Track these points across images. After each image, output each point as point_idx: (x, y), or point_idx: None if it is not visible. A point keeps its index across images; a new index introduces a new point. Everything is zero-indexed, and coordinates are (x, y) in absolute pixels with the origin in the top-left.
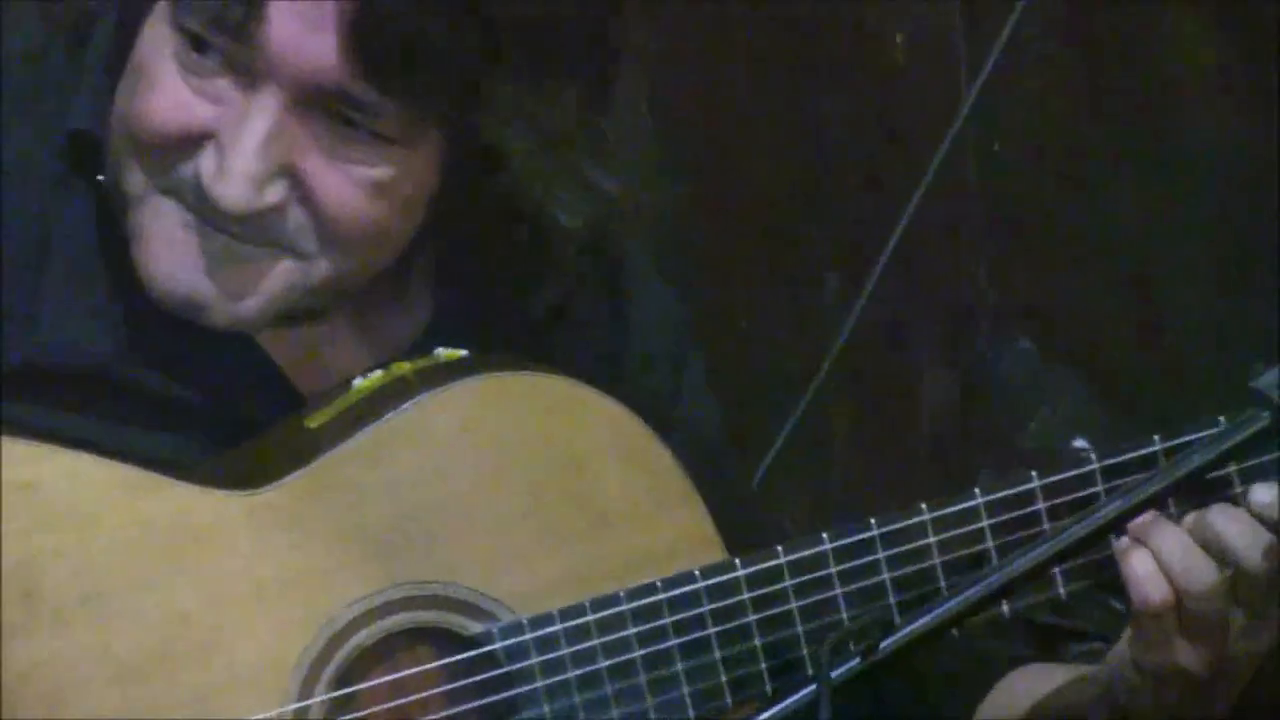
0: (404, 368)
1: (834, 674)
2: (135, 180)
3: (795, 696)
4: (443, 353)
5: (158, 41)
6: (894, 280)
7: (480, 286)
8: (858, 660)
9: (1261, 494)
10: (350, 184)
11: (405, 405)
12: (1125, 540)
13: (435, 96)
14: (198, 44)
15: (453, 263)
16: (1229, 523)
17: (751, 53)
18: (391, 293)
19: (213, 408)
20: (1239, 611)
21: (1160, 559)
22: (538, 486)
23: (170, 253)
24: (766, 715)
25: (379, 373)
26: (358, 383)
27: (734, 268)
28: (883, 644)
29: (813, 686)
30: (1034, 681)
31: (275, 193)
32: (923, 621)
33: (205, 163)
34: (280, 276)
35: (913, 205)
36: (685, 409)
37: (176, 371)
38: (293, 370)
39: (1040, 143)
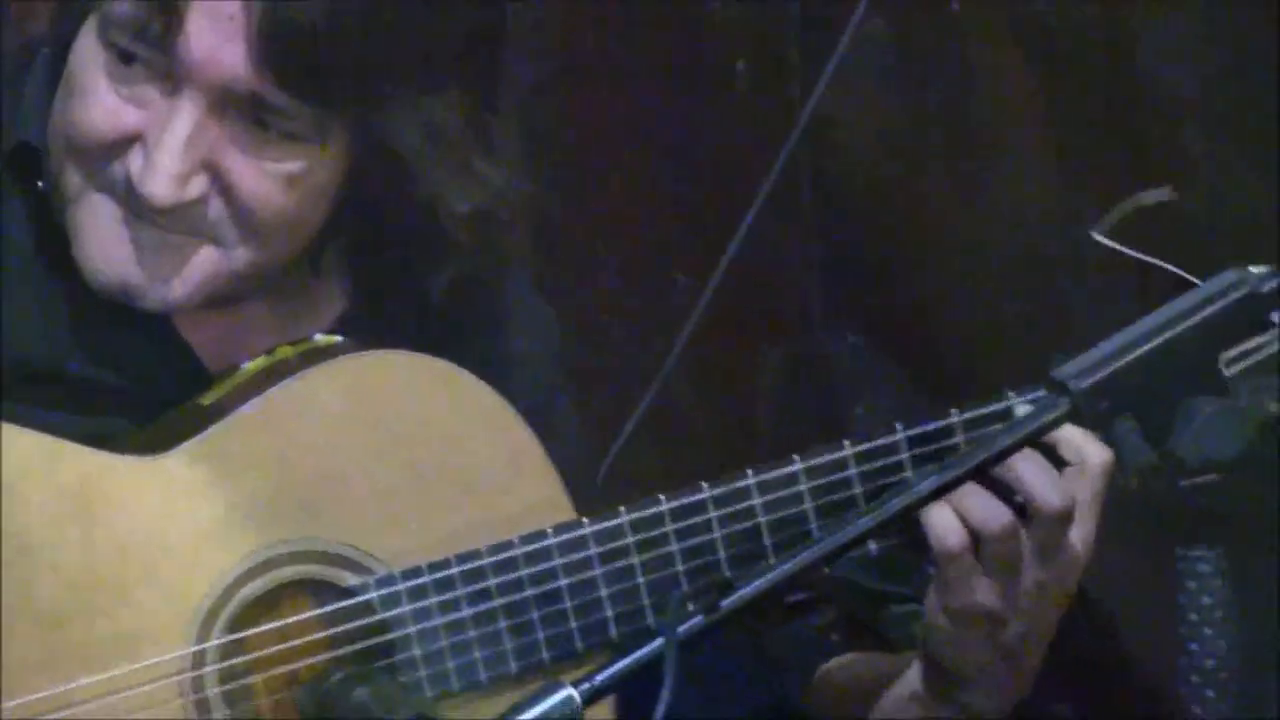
0: (286, 350)
1: (681, 629)
2: (73, 181)
3: (643, 650)
4: (320, 338)
5: (88, 55)
6: (736, 282)
7: (385, 273)
8: (700, 618)
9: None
10: (265, 177)
11: (288, 380)
12: None
13: (338, 99)
14: (124, 56)
15: (360, 254)
16: (1023, 462)
17: (611, 75)
18: (306, 285)
19: (137, 393)
20: (1033, 551)
21: (956, 507)
22: (411, 454)
23: (105, 244)
24: (616, 668)
25: (264, 357)
26: (246, 365)
27: (591, 270)
28: (723, 603)
29: (660, 641)
30: (854, 665)
31: (197, 187)
32: (757, 583)
33: (134, 161)
34: (204, 264)
35: (752, 213)
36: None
37: (105, 360)
38: (213, 361)
39: (867, 160)
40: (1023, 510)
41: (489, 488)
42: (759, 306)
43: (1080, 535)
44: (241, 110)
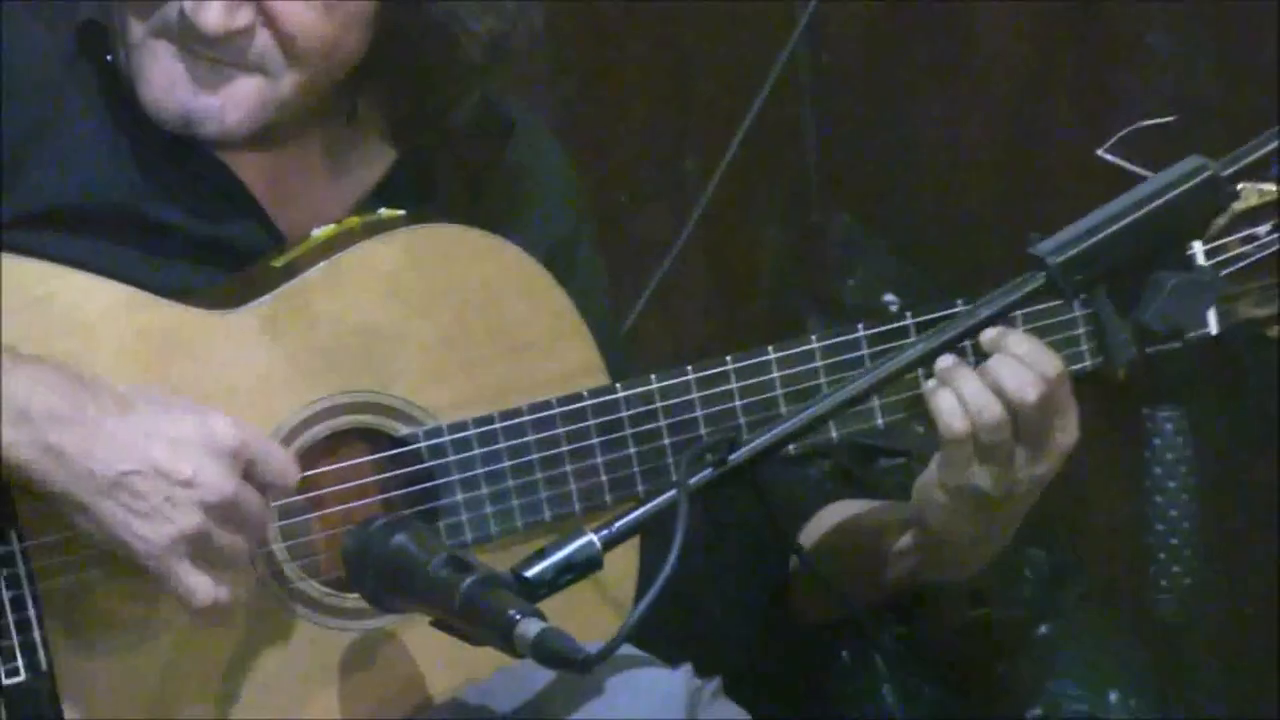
0: (353, 221)
1: (691, 481)
2: (135, 31)
3: (658, 500)
4: (384, 211)
5: None
6: (742, 164)
7: (414, 122)
8: (711, 470)
9: (1021, 344)
10: (304, 5)
11: (353, 247)
12: (933, 382)
13: None
14: None
15: (392, 98)
16: (1003, 368)
17: None
18: (347, 136)
19: (204, 236)
20: (1022, 443)
21: (959, 396)
22: (460, 318)
23: (165, 80)
24: (633, 516)
25: (333, 225)
26: (316, 233)
27: (610, 151)
28: (731, 456)
29: (673, 492)
30: (847, 509)
31: (243, 17)
32: (763, 439)
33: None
34: (254, 92)
35: (758, 103)
36: (581, 270)
37: (173, 202)
38: (272, 205)
39: (862, 58)
40: None
41: (530, 351)
42: (762, 188)
43: (1067, 420)
44: None
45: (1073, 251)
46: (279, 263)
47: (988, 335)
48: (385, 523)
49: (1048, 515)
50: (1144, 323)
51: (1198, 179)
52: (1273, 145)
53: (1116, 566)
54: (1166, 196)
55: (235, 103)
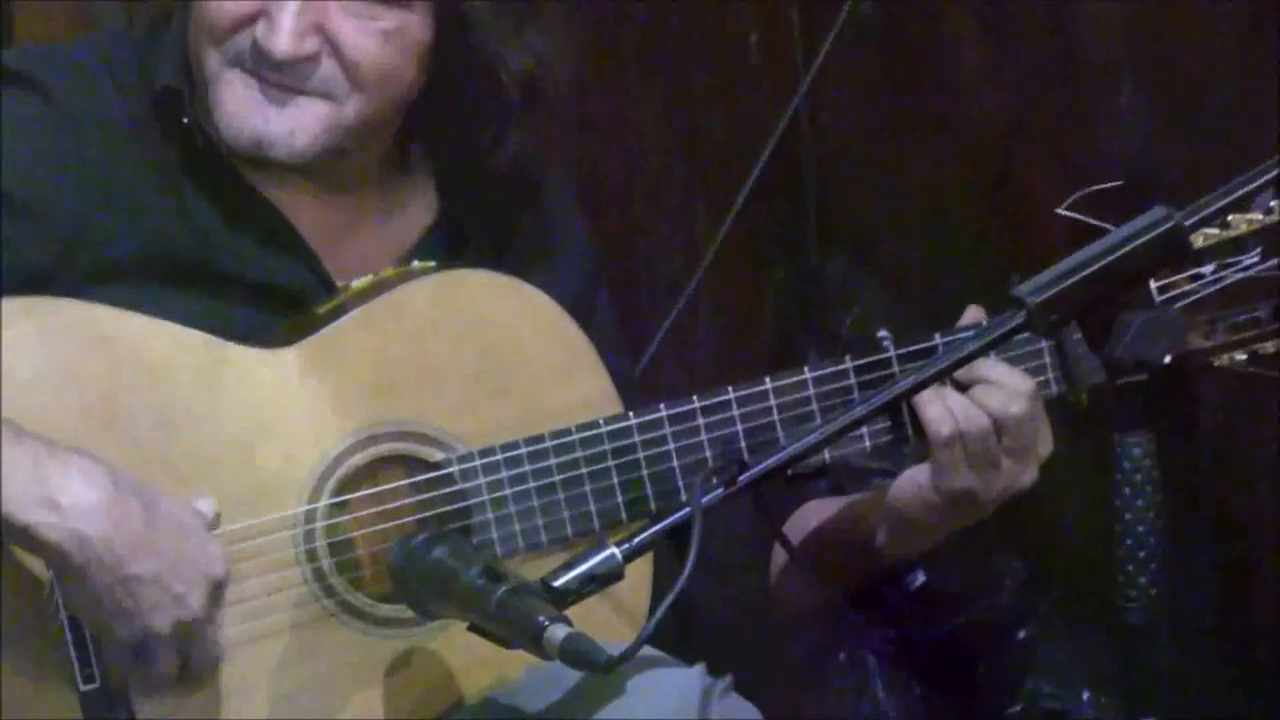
0: (389, 272)
1: (704, 500)
2: (211, 65)
3: (674, 517)
4: (417, 264)
5: None
6: (748, 212)
7: (460, 168)
8: (721, 490)
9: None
10: (366, 34)
11: (389, 292)
12: (925, 396)
13: None
14: None
15: (440, 146)
16: (985, 393)
17: (647, 46)
18: (399, 182)
19: (261, 283)
20: (1007, 451)
21: (947, 406)
22: (485, 353)
23: (240, 107)
24: (651, 531)
25: (370, 276)
26: (355, 283)
27: (628, 200)
28: (740, 478)
29: (688, 510)
30: (827, 505)
31: (311, 44)
32: (768, 463)
33: (259, 27)
34: (321, 117)
35: (764, 158)
36: (599, 316)
37: (237, 256)
38: (326, 253)
39: (856, 117)
40: None
41: (551, 384)
42: (766, 234)
43: (1043, 433)
44: None
45: (1050, 293)
46: (323, 309)
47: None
48: (427, 537)
49: (1027, 530)
50: (1114, 358)
51: (1161, 228)
52: (1229, 199)
53: (1089, 577)
54: (1133, 244)
55: (303, 126)
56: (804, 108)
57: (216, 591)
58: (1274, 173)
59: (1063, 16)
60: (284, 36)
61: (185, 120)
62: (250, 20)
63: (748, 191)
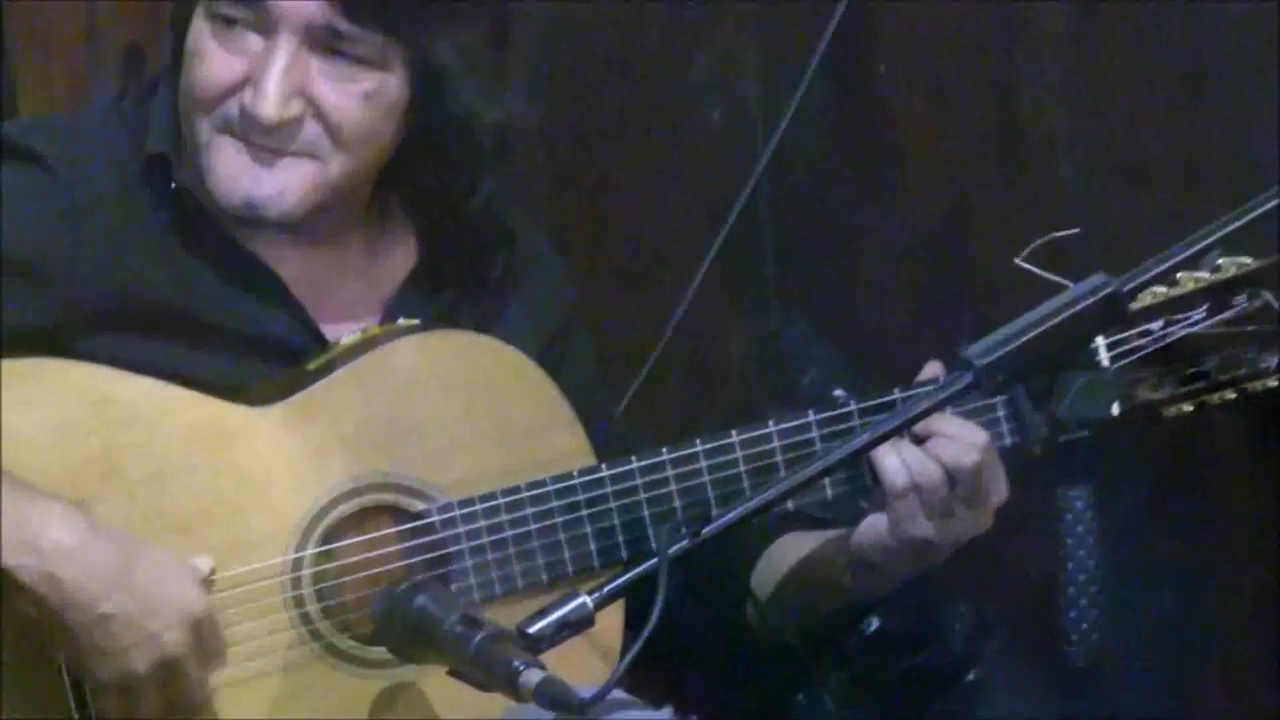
0: (375, 330)
1: (671, 550)
2: (201, 131)
3: (643, 567)
4: (402, 321)
5: (198, 30)
6: (713, 279)
7: (438, 216)
8: (688, 540)
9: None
10: (347, 96)
11: (374, 350)
12: (881, 449)
13: (392, 25)
14: (228, 21)
15: (418, 197)
16: (940, 446)
17: (615, 117)
18: (381, 231)
19: (250, 334)
20: (961, 501)
21: (902, 459)
22: (466, 409)
23: (230, 171)
24: (621, 580)
25: (358, 333)
26: (344, 340)
27: (600, 267)
28: (705, 530)
29: (656, 560)
30: (801, 540)
31: (295, 108)
32: (732, 515)
33: (246, 95)
34: (308, 176)
35: (726, 228)
36: (577, 353)
37: (226, 309)
38: (312, 304)
39: (812, 188)
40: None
41: (527, 438)
42: (730, 300)
43: (996, 483)
44: (322, 42)
45: (995, 355)
46: (311, 365)
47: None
48: (409, 586)
49: (976, 578)
50: (1056, 417)
51: (1100, 294)
52: (1166, 265)
53: (1034, 622)
54: (1074, 309)
55: (291, 187)
56: (764, 180)
57: (198, 630)
58: (1207, 241)
59: (1005, 91)
60: (270, 102)
61: (174, 184)
62: (237, 88)
63: (711, 259)
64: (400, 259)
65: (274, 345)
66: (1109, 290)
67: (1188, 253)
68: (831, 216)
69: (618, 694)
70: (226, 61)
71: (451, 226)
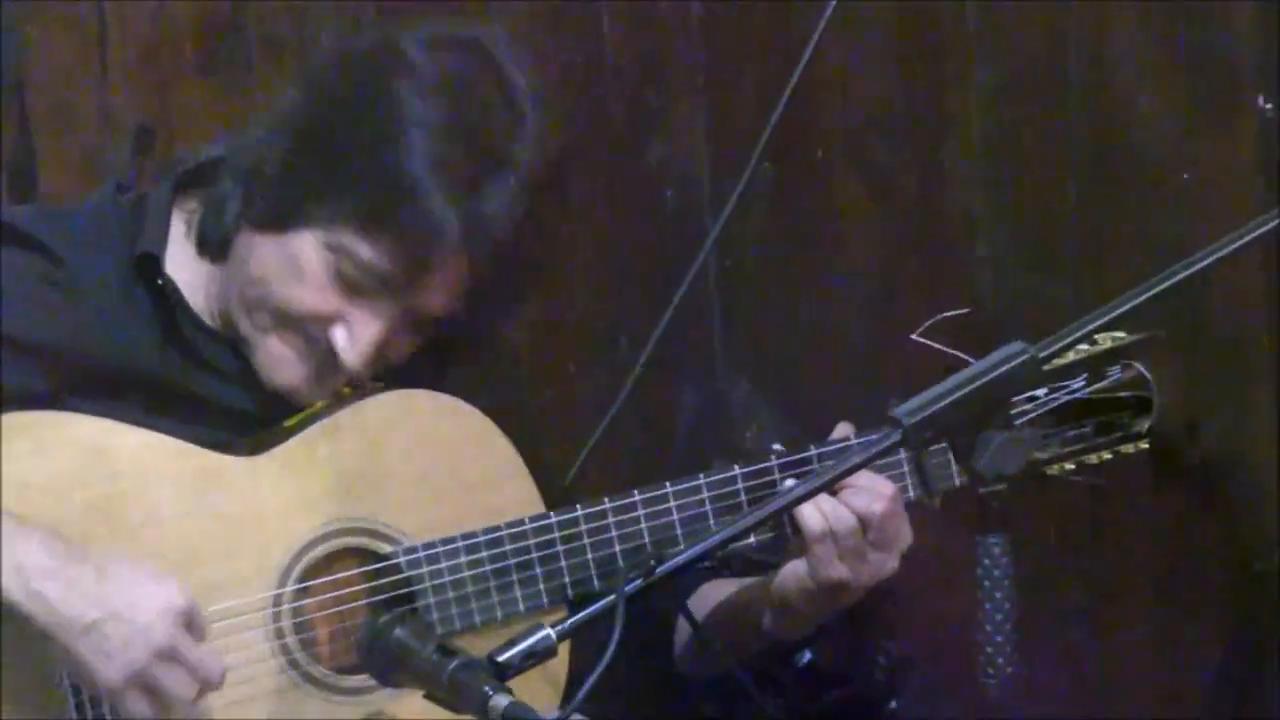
0: (346, 391)
1: (627, 588)
2: (259, 324)
3: (600, 604)
4: (370, 384)
5: (313, 255)
6: (664, 343)
7: None
8: (641, 580)
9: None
10: (410, 346)
11: (344, 409)
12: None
13: None
14: (354, 287)
15: None
16: (853, 496)
17: (576, 196)
18: None
19: (227, 405)
20: (872, 545)
21: (819, 508)
22: (428, 461)
23: (285, 370)
24: (581, 615)
25: (331, 397)
26: (318, 403)
27: (559, 331)
28: (658, 570)
29: (612, 597)
30: (721, 587)
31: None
32: (681, 558)
33: (340, 336)
34: (326, 389)
35: (678, 297)
36: None
37: (209, 383)
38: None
39: (756, 261)
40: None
41: (484, 488)
42: (679, 361)
43: (903, 529)
44: (416, 320)
45: (922, 415)
46: (290, 423)
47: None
48: (390, 618)
49: (901, 616)
50: (976, 470)
51: (1018, 359)
52: (1078, 334)
53: (953, 657)
54: (995, 373)
55: (328, 388)
56: (713, 253)
57: (185, 617)
58: (1115, 313)
59: (931, 176)
60: (361, 359)
61: (160, 281)
62: (326, 320)
63: (664, 325)
64: None
65: (246, 416)
66: (1026, 356)
67: (1098, 322)
68: (773, 287)
69: (577, 717)
70: (330, 299)
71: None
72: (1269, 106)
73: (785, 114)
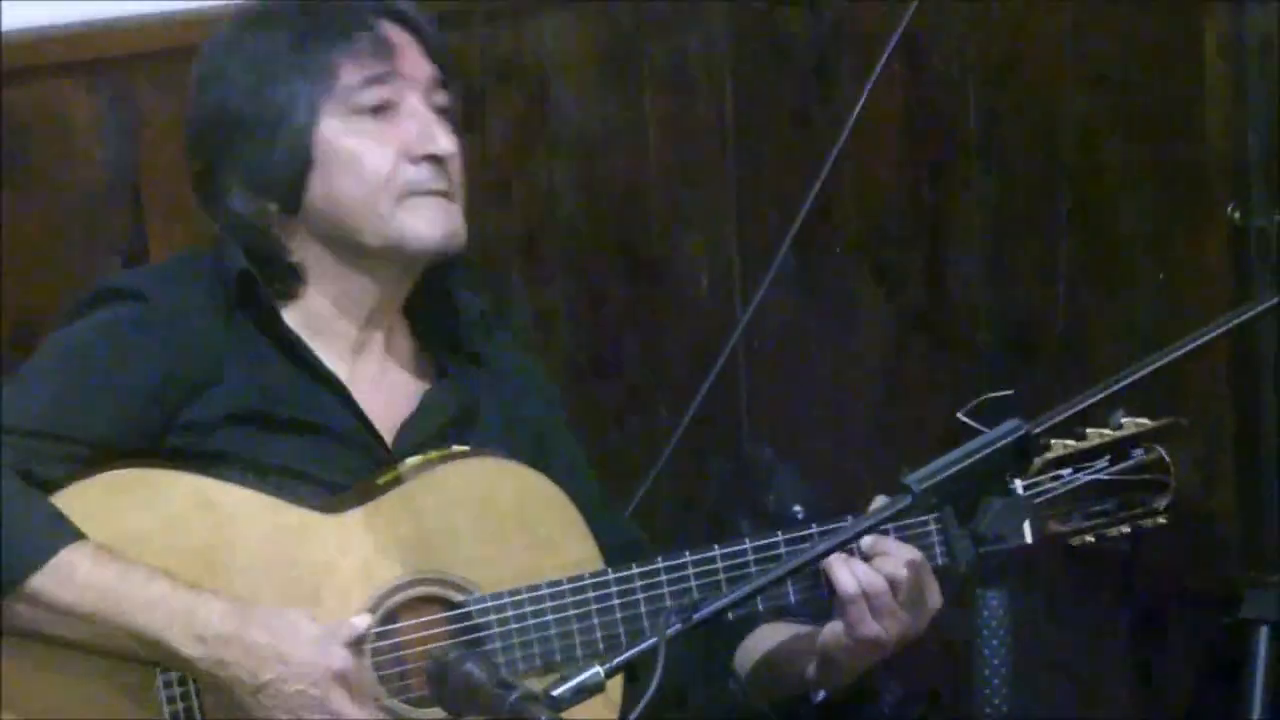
0: (433, 454)
1: (668, 632)
2: (383, 207)
3: (643, 645)
4: (456, 448)
5: (338, 134)
6: (698, 416)
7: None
8: (680, 625)
9: (891, 544)
10: (455, 141)
11: (429, 471)
12: (836, 565)
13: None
14: (376, 110)
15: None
16: (883, 561)
17: (620, 285)
18: (410, 351)
19: (322, 426)
20: (903, 605)
21: (852, 570)
22: (499, 521)
23: (426, 219)
24: (627, 655)
25: (419, 457)
26: (407, 461)
27: (605, 402)
28: (695, 616)
29: (655, 639)
30: (775, 630)
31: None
32: (716, 605)
33: (415, 148)
34: (459, 214)
35: (712, 374)
36: (565, 440)
37: (305, 407)
38: (364, 401)
39: (781, 342)
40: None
41: (548, 546)
42: (708, 432)
43: (931, 592)
44: (431, 97)
45: (930, 481)
46: (380, 480)
47: (866, 542)
48: (459, 654)
49: (907, 656)
50: (978, 532)
51: (1015, 434)
52: (1069, 413)
53: (955, 697)
54: (994, 446)
55: (459, 225)
56: (742, 336)
57: (343, 680)
58: (1099, 395)
59: (934, 272)
60: (443, 137)
61: (260, 294)
62: (399, 160)
63: (699, 400)
64: (418, 367)
65: (338, 435)
66: (1022, 431)
67: (1085, 403)
68: (797, 363)
69: None
70: (380, 147)
71: (443, 314)
72: (1237, 215)
73: (808, 215)
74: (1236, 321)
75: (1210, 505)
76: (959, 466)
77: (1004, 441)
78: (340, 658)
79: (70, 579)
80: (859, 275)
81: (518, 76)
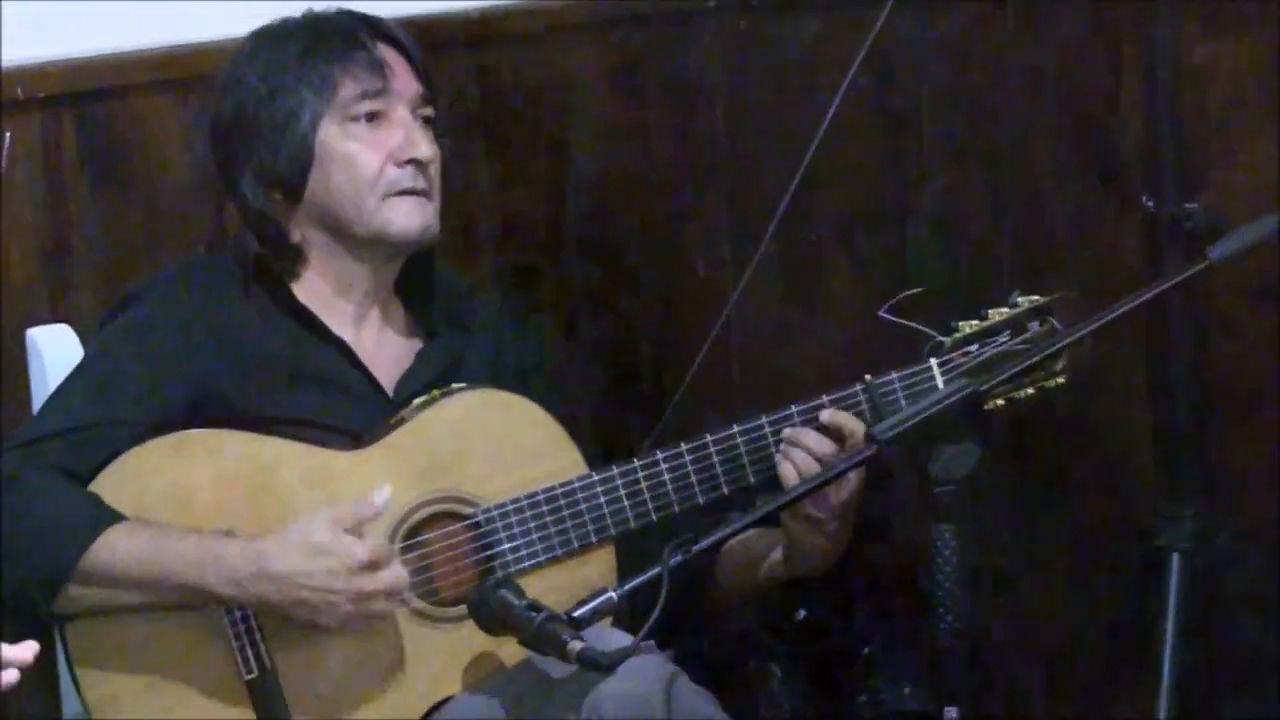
0: (435, 392)
1: (671, 563)
2: (369, 203)
3: (649, 573)
4: (455, 385)
5: (336, 138)
6: (693, 384)
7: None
8: (681, 556)
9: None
10: (432, 145)
11: (432, 407)
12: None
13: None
14: (370, 117)
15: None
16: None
17: (626, 269)
18: (403, 315)
19: (335, 382)
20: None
21: (792, 461)
22: (497, 442)
23: (407, 213)
24: (634, 583)
25: (425, 396)
26: (415, 401)
27: (600, 375)
28: (694, 548)
29: (658, 569)
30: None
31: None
32: (711, 539)
33: (401, 153)
34: (435, 211)
35: (704, 349)
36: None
37: (321, 365)
38: (372, 364)
39: (767, 322)
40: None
41: (539, 458)
42: (705, 404)
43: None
44: (417, 111)
45: (893, 431)
46: (392, 420)
47: (787, 433)
48: (495, 582)
49: (875, 585)
50: (931, 473)
51: (964, 392)
52: (1010, 372)
53: (915, 612)
54: (945, 401)
55: (433, 219)
56: (733, 316)
57: (373, 567)
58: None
59: (898, 256)
60: (424, 144)
61: (271, 268)
62: (386, 163)
63: (694, 370)
64: (408, 325)
65: (347, 388)
66: (968, 390)
67: (1025, 364)
68: (778, 337)
69: (624, 638)
70: (370, 150)
71: (429, 289)
72: (1150, 204)
73: (789, 206)
74: (1171, 284)
75: (1130, 444)
76: (917, 419)
77: (955, 398)
78: (361, 551)
79: (114, 553)
80: (834, 260)
81: (546, 91)
